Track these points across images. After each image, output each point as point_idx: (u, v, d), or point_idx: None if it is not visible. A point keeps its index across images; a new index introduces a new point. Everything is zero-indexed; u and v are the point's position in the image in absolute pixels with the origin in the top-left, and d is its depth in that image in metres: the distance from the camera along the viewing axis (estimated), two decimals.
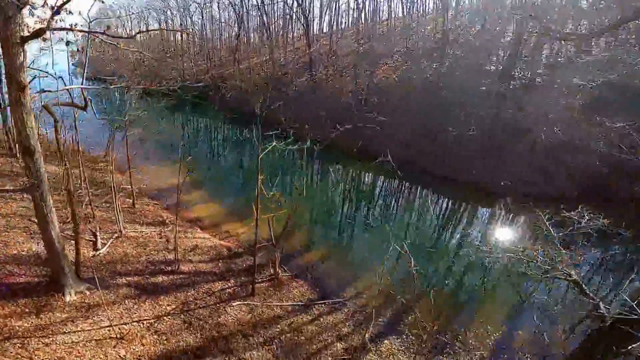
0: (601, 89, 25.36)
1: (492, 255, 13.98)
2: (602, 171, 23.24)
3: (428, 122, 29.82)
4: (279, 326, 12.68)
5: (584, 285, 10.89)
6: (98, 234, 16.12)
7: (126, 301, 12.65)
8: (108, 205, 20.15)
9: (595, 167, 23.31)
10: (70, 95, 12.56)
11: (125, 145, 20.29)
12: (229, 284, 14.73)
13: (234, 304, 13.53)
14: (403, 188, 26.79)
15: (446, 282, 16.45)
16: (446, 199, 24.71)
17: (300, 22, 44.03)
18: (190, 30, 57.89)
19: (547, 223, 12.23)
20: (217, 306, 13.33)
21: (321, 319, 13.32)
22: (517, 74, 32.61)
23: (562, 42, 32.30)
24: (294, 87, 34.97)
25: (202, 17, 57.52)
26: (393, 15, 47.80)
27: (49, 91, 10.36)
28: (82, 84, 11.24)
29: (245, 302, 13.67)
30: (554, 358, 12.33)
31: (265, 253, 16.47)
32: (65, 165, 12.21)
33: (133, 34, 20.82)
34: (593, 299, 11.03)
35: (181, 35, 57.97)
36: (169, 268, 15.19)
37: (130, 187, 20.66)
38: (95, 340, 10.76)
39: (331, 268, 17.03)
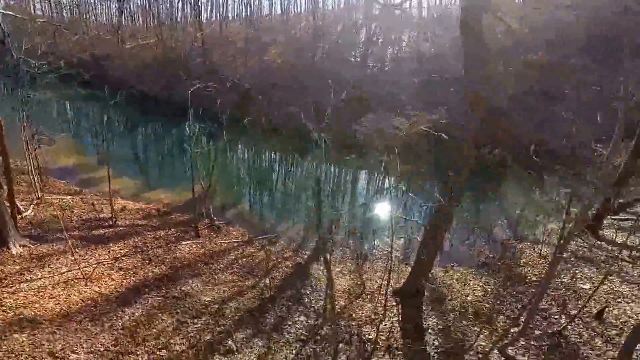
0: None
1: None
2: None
3: (309, 97, 32.09)
4: (232, 255, 13.10)
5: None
6: (16, 200, 13.67)
7: (77, 250, 11.47)
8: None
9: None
10: None
11: (24, 116, 16.87)
12: (172, 232, 14.30)
13: (183, 243, 13.40)
14: (296, 149, 28.22)
15: (351, 210, 18.50)
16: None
17: (190, 5, 41.08)
18: None
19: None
20: (169, 246, 13.02)
21: (266, 249, 14.10)
22: (370, 64, 37.75)
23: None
24: (189, 70, 32.89)
25: None
26: (273, 13, 48.60)
27: None
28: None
29: (194, 242, 13.65)
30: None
31: (198, 208, 16.19)
32: None
33: None
34: None
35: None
36: (107, 223, 14.02)
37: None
38: (63, 282, 9.77)
39: (256, 215, 17.78)
